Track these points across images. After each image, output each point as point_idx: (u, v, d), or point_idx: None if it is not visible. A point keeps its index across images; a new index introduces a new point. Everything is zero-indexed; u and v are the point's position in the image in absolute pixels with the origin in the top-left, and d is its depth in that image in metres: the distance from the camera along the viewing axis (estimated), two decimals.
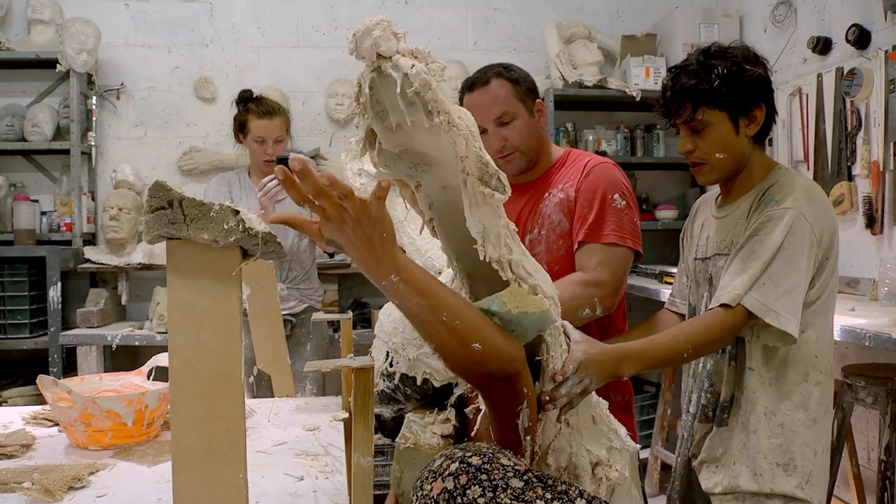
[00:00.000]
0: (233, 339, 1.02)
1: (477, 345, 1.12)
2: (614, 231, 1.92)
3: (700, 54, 1.76)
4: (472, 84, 2.07)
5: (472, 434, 1.31)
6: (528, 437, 1.25)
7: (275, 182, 2.90)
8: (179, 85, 4.20)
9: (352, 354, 1.37)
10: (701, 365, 1.88)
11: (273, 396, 2.29)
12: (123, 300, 3.92)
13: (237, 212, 0.99)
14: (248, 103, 3.11)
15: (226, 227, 0.98)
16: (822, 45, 3.59)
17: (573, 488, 1.03)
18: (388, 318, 1.45)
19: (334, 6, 4.33)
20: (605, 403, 1.48)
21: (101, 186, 4.10)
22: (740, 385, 1.76)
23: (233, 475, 1.02)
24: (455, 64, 4.35)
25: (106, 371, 3.51)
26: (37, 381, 1.73)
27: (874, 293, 3.14)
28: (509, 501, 1.00)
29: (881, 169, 3.22)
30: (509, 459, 1.09)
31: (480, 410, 1.35)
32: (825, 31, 3.61)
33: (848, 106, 3.42)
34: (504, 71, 2.06)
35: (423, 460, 1.26)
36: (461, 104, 2.04)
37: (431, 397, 1.46)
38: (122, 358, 3.71)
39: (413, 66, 1.04)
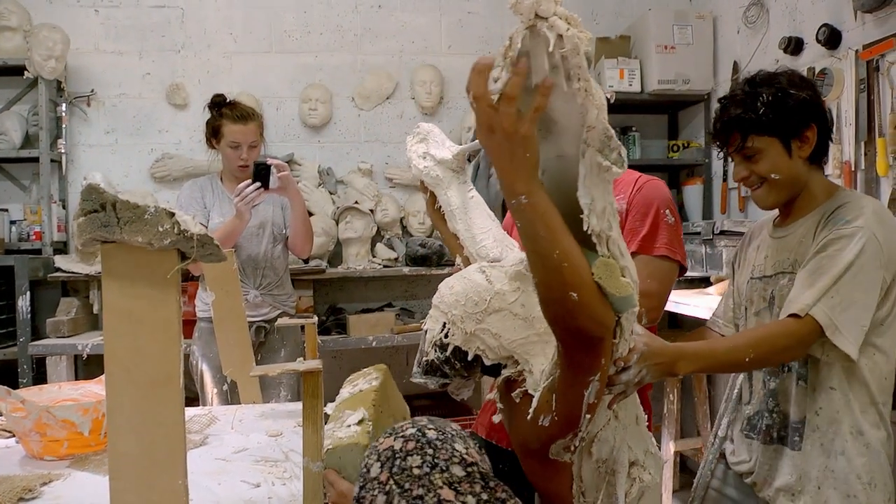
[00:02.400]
0: (171, 344, 1.00)
1: (574, 295, 1.14)
2: (666, 245, 1.94)
3: (746, 83, 1.78)
4: None
5: (529, 415, 1.33)
6: (588, 416, 1.27)
7: (252, 187, 2.88)
8: (151, 91, 4.17)
9: (301, 358, 1.35)
10: (760, 381, 1.86)
11: (231, 405, 2.27)
12: (95, 309, 3.87)
13: (172, 214, 0.97)
14: (222, 108, 3.07)
15: (160, 229, 0.96)
16: (794, 46, 3.60)
17: (512, 500, 1.03)
18: (451, 290, 1.46)
19: (307, 11, 4.31)
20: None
21: (72, 195, 4.05)
22: (814, 406, 1.73)
23: (172, 482, 1.00)
24: (429, 67, 4.34)
25: (77, 381, 3.47)
26: None
27: None
28: (440, 484, 1.02)
29: (853, 169, 3.23)
30: (465, 447, 1.11)
31: (527, 394, 1.36)
32: (796, 31, 3.63)
33: None
34: None
35: (347, 455, 1.33)
36: None
37: (479, 375, 1.51)
38: (95, 367, 3.66)
39: (568, 29, 1.07)
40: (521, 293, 1.42)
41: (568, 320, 1.18)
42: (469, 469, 1.05)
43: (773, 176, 1.76)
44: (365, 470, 1.06)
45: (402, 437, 1.08)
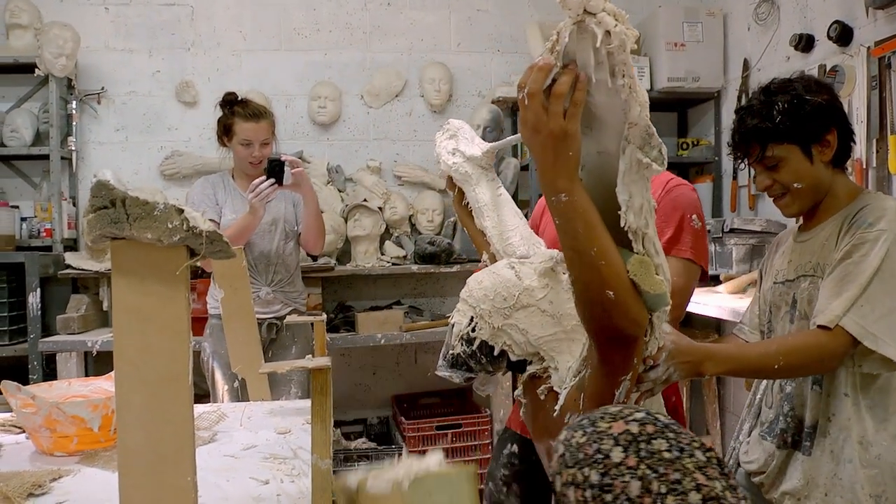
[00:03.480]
0: (181, 341, 1.00)
1: (611, 293, 1.16)
2: (691, 248, 1.95)
3: (761, 93, 1.77)
4: None
5: (556, 413, 1.34)
6: None
7: (267, 183, 2.88)
8: (161, 89, 4.18)
9: (310, 356, 1.36)
10: (778, 385, 1.84)
11: (240, 402, 2.27)
12: (105, 306, 3.89)
13: (181, 210, 0.96)
14: (234, 106, 3.08)
15: (170, 226, 0.96)
16: (805, 43, 3.58)
17: (740, 489, 1.00)
18: (479, 285, 1.49)
19: (316, 9, 4.31)
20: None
21: (82, 192, 4.06)
22: (826, 412, 1.71)
23: (180, 478, 0.99)
24: (438, 65, 4.34)
25: (87, 377, 3.48)
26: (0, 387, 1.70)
27: None
28: (693, 468, 0.96)
29: (864, 167, 3.21)
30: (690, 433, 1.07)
31: (552, 391, 1.38)
32: (808, 28, 3.61)
33: None
34: None
35: (440, 485, 1.08)
36: None
37: (503, 371, 1.53)
38: (105, 364, 3.68)
39: (616, 25, 1.09)
40: (549, 290, 1.43)
41: (604, 319, 1.19)
42: (708, 455, 1.00)
43: (795, 185, 1.74)
44: (601, 456, 0.99)
45: (636, 420, 1.02)
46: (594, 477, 0.98)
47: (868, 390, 1.67)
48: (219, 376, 3.07)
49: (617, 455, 0.98)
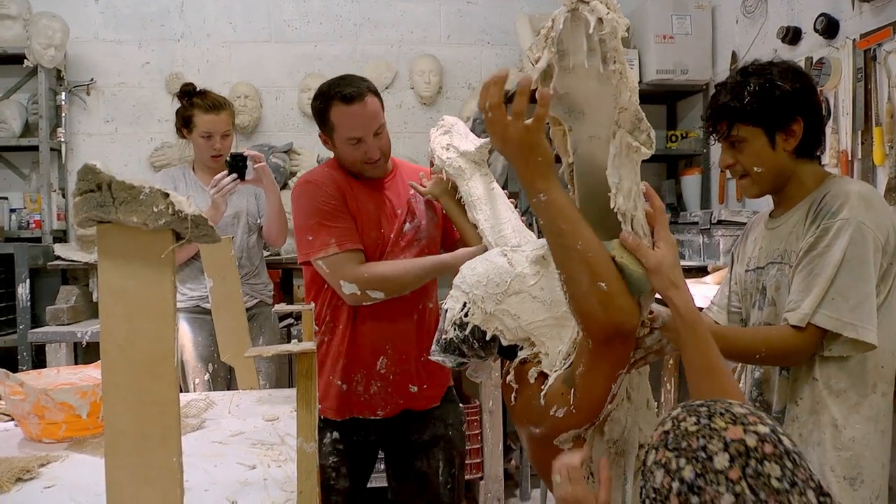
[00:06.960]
0: (166, 323, 1.01)
1: (603, 285, 1.21)
2: None
3: (739, 72, 1.79)
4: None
5: (543, 393, 1.36)
6: (611, 405, 1.31)
7: (229, 178, 2.87)
8: (150, 80, 4.17)
9: (295, 340, 1.37)
10: (749, 371, 1.88)
11: (228, 391, 2.28)
12: (95, 297, 3.88)
13: (167, 195, 0.98)
14: (193, 97, 3.04)
15: (155, 210, 0.97)
16: (792, 35, 3.60)
17: None
18: (473, 271, 1.52)
19: (306, 1, 4.31)
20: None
21: (71, 183, 4.05)
22: (794, 396, 1.73)
23: (167, 459, 1.01)
24: (428, 57, 4.35)
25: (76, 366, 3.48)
26: None
27: None
28: None
29: (850, 158, 3.23)
30: (810, 466, 0.99)
31: (543, 374, 1.40)
32: (794, 21, 3.63)
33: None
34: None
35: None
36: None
37: (495, 357, 1.57)
38: (94, 355, 3.67)
39: (608, 13, 1.14)
40: (541, 277, 1.46)
41: (599, 314, 1.22)
42: (822, 499, 0.92)
43: (755, 169, 1.76)
44: (704, 455, 0.93)
45: (756, 433, 0.94)
46: (688, 473, 0.92)
47: (840, 375, 1.68)
48: (189, 369, 3.06)
49: (721, 461, 0.91)
